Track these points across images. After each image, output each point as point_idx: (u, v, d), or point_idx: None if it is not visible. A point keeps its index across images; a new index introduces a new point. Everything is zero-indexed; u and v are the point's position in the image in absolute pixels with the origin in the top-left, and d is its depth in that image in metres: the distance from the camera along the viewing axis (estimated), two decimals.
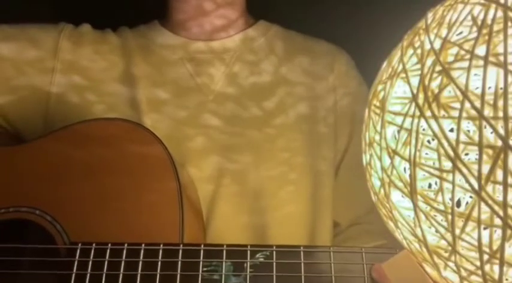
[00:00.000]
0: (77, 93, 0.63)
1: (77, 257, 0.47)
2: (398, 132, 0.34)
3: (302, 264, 0.45)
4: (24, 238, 0.49)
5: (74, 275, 0.46)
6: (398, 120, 0.34)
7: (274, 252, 0.46)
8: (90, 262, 0.46)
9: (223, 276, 0.45)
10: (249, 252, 0.46)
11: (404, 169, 0.34)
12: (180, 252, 0.46)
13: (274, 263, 0.46)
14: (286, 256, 0.46)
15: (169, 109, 0.63)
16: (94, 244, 0.47)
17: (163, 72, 0.65)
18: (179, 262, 0.46)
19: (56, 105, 0.63)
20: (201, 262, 0.46)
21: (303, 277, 0.45)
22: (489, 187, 0.29)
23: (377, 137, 0.36)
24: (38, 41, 0.65)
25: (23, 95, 0.63)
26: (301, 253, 0.46)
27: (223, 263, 0.46)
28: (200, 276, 0.45)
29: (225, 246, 0.46)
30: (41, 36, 0.65)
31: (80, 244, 0.47)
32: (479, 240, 0.30)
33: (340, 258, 0.46)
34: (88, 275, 0.46)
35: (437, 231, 0.33)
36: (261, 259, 0.46)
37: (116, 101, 0.63)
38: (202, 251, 0.46)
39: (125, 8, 0.81)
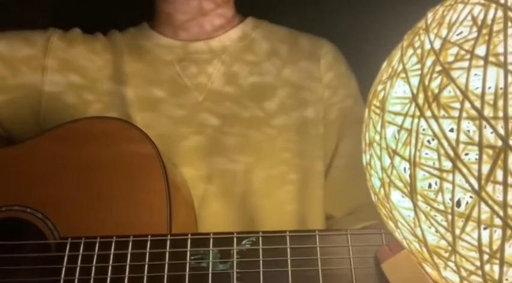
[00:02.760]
0: (69, 91, 0.63)
1: (67, 251, 0.47)
2: (398, 132, 0.34)
3: (288, 248, 0.46)
4: (17, 236, 0.50)
5: (64, 269, 0.46)
6: (398, 120, 0.34)
7: (261, 238, 0.46)
8: (80, 256, 0.47)
9: (210, 263, 0.45)
10: (235, 239, 0.47)
11: (404, 169, 0.34)
12: (168, 242, 0.47)
13: (261, 249, 0.46)
14: (272, 242, 0.46)
15: (163, 108, 0.63)
16: (83, 238, 0.48)
17: (155, 72, 0.65)
18: (167, 252, 0.46)
19: (48, 104, 0.63)
20: (188, 251, 0.46)
21: (289, 261, 0.45)
22: (489, 188, 0.29)
23: (377, 137, 0.36)
24: (30, 40, 0.65)
25: (14, 94, 0.63)
26: (287, 237, 0.46)
27: (210, 251, 0.46)
28: (188, 264, 0.46)
29: (211, 234, 0.47)
30: (32, 36, 0.66)
31: (69, 239, 0.48)
32: (479, 240, 0.30)
33: (326, 241, 0.46)
34: (78, 268, 0.46)
35: (437, 231, 0.33)
36: (248, 246, 0.46)
37: (108, 99, 0.63)
38: (189, 240, 0.47)
39: (117, 9, 0.81)
